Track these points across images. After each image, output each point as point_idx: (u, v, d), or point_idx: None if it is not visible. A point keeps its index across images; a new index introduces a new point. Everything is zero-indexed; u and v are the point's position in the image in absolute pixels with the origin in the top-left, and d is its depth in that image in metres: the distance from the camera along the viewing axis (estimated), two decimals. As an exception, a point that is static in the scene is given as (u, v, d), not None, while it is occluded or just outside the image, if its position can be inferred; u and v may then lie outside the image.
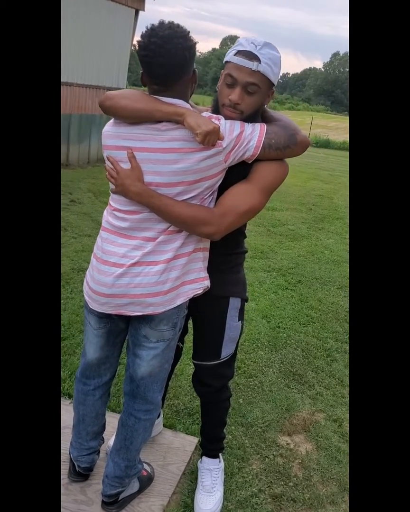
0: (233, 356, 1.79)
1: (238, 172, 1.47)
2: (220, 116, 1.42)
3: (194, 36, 1.40)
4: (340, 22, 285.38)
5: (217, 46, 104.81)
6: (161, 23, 1.37)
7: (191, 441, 2.14)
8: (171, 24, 1.36)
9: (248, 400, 2.51)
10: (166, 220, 1.43)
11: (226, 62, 1.45)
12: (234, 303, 1.70)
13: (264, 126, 1.44)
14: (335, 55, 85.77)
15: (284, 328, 3.38)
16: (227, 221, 1.44)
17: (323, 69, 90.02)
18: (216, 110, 1.50)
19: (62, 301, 3.24)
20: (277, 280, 4.26)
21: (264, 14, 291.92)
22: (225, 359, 1.75)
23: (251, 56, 1.37)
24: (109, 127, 1.48)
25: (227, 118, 1.43)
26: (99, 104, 1.47)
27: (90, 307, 1.56)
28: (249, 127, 1.43)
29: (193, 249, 1.51)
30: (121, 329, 1.65)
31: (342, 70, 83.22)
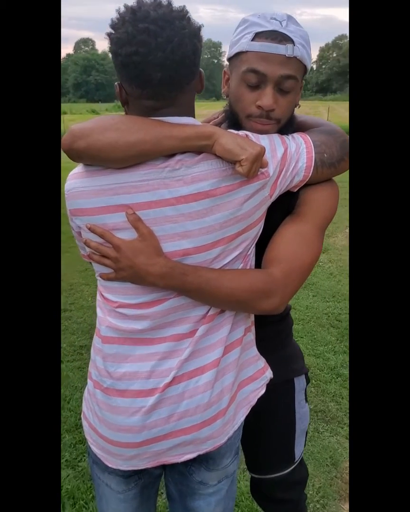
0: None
1: (279, 207, 1.01)
2: (246, 132, 0.94)
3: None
4: (192, 11, 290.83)
5: (71, 51, 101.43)
6: None
7: None
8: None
9: (285, 466, 2.05)
10: (210, 302, 0.93)
11: (238, 53, 0.96)
12: (300, 383, 1.26)
13: (307, 137, 0.99)
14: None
15: (276, 354, 2.97)
16: (293, 284, 0.97)
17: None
18: (233, 125, 1.01)
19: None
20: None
21: (112, 13, 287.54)
22: (300, 460, 1.29)
23: (279, 37, 0.92)
24: (79, 180, 0.92)
25: (258, 133, 0.96)
26: (65, 149, 0.89)
27: (109, 465, 1.00)
28: (291, 142, 0.97)
29: (244, 332, 1.02)
30: (157, 475, 1.11)
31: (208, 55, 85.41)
